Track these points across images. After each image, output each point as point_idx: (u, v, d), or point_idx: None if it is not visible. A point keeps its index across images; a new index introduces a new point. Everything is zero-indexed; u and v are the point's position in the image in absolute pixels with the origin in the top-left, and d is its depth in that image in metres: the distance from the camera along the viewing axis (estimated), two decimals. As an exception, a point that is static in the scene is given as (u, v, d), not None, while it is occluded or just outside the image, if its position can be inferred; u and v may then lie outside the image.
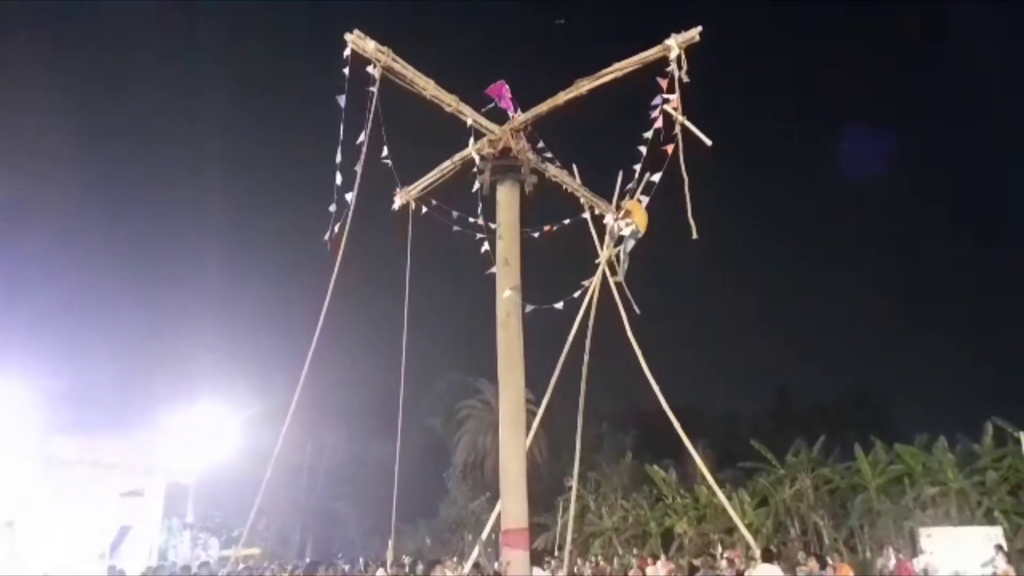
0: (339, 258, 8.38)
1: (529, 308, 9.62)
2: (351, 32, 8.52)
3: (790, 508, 27.43)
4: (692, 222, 9.05)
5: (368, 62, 8.58)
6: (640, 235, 11.47)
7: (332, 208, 8.45)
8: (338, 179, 8.47)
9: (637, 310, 11.92)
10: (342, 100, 8.39)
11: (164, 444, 22.56)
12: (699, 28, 8.58)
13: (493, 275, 9.55)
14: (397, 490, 12.69)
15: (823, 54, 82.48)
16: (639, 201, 11.13)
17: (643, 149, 9.59)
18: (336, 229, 8.40)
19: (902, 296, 66.35)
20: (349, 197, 8.48)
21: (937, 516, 23.00)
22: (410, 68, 8.88)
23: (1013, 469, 22.29)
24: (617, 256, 11.80)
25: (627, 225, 11.36)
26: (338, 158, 8.46)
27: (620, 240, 11.60)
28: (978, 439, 23.62)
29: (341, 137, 8.44)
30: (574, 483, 14.63)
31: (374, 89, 8.45)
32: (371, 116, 8.42)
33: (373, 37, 8.59)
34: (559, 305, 10.62)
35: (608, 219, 11.90)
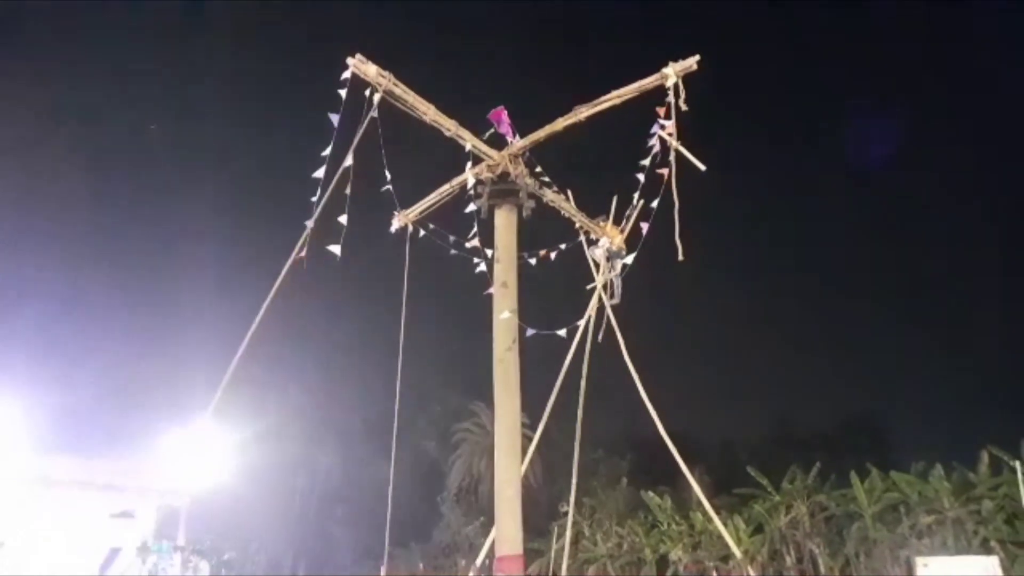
0: (283, 271, 8.33)
1: (530, 332, 9.64)
2: (352, 55, 8.59)
3: (786, 535, 27.30)
4: (679, 244, 9.33)
5: (367, 85, 8.65)
6: (623, 254, 11.57)
7: (308, 224, 8.44)
8: (317, 195, 8.45)
9: (620, 337, 11.90)
10: (335, 119, 8.44)
11: (157, 465, 22.37)
12: (696, 57, 8.70)
13: (490, 297, 9.57)
14: (391, 513, 12.62)
15: (821, 71, 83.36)
16: (616, 225, 11.35)
17: (640, 176, 9.73)
18: (305, 247, 8.39)
19: (899, 323, 66.46)
20: (343, 219, 8.51)
21: (933, 545, 22.89)
22: (411, 93, 8.94)
23: (1009, 498, 22.22)
24: (611, 279, 11.90)
25: (604, 246, 11.53)
26: (320, 174, 8.43)
27: (608, 258, 11.72)
28: (974, 467, 23.58)
29: (327, 154, 8.46)
30: (570, 509, 14.56)
31: (374, 114, 8.51)
32: (359, 135, 8.44)
33: (373, 59, 8.66)
34: (562, 332, 10.63)
35: (602, 243, 11.99)
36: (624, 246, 11.74)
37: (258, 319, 8.25)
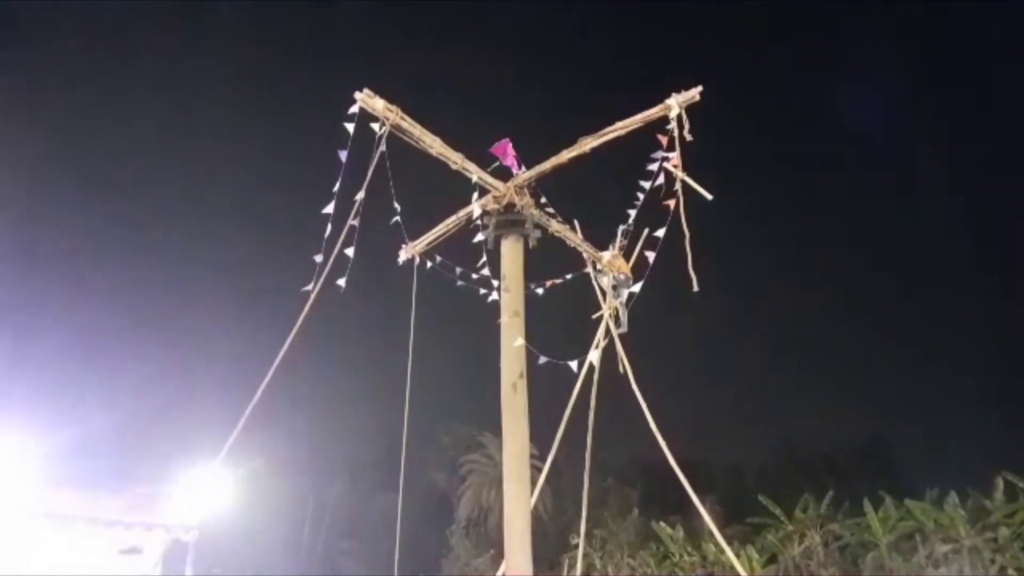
0: (305, 309, 8.42)
1: (543, 360, 9.64)
2: (359, 89, 8.71)
3: (800, 565, 26.97)
4: (693, 275, 9.36)
5: (374, 118, 8.76)
6: (630, 283, 11.58)
7: (318, 259, 8.54)
8: (328, 231, 8.54)
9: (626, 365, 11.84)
10: (343, 155, 8.55)
11: (165, 499, 22.31)
12: (699, 88, 8.79)
13: (496, 328, 9.58)
14: (399, 546, 12.53)
15: (829, 86, 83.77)
16: (619, 253, 11.41)
17: (640, 201, 9.81)
18: (320, 281, 8.48)
19: (912, 346, 66.02)
20: (349, 252, 8.60)
21: (950, 574, 22.55)
22: (417, 126, 9.04)
23: (1026, 525, 21.94)
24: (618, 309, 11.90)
25: (616, 275, 11.55)
26: (330, 209, 8.55)
27: (615, 287, 11.72)
28: (989, 494, 23.29)
29: (336, 189, 8.57)
30: (580, 541, 14.38)
31: (382, 148, 8.60)
32: (370, 171, 8.56)
33: (380, 93, 8.77)
34: (573, 364, 10.61)
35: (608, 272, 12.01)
36: (631, 274, 11.76)
37: (276, 363, 8.31)
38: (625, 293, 11.84)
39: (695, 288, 9.42)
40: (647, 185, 9.69)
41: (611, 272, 11.64)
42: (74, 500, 20.06)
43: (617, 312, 11.90)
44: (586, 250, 11.66)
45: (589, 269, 12.17)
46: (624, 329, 11.93)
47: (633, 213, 10.22)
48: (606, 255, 11.67)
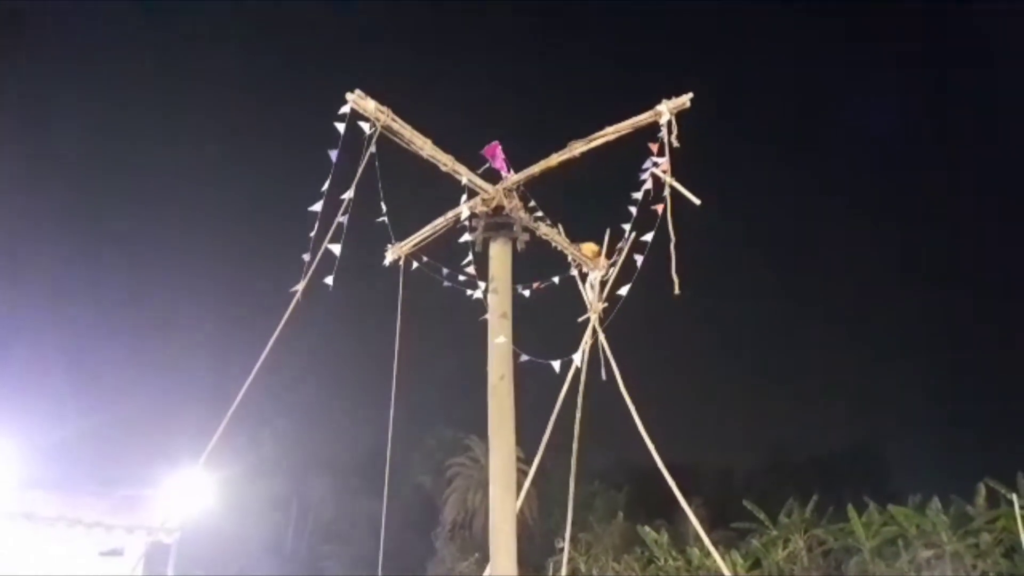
0: (286, 313, 8.38)
1: (524, 358, 9.62)
2: (351, 91, 8.68)
3: (783, 570, 27.06)
4: (675, 278, 9.36)
5: (364, 119, 8.73)
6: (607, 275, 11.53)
7: (306, 257, 8.50)
8: (315, 229, 8.50)
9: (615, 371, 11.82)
10: (333, 155, 8.52)
11: (146, 502, 22.14)
12: (690, 95, 8.81)
13: (484, 331, 9.56)
14: (384, 549, 12.48)
15: (821, 92, 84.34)
16: (608, 258, 11.38)
17: (633, 209, 9.81)
18: (306, 281, 8.45)
19: (898, 354, 66.52)
20: (335, 249, 8.57)
21: (932, 579, 22.74)
22: (408, 127, 9.01)
23: (1007, 532, 22.11)
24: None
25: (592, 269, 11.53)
26: (318, 208, 8.51)
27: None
28: (971, 500, 23.50)
29: (325, 189, 8.54)
30: (566, 545, 14.33)
31: (373, 149, 8.58)
32: (360, 171, 8.53)
33: (371, 94, 8.74)
34: (556, 364, 10.60)
35: (594, 275, 12.01)
36: (606, 263, 11.66)
37: (258, 364, 8.24)
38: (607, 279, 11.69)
39: (676, 291, 9.43)
40: (637, 196, 9.72)
41: (596, 266, 11.58)
42: (55, 502, 19.87)
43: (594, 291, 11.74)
44: (573, 254, 11.65)
45: (574, 272, 12.16)
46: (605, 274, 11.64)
47: (629, 226, 10.21)
48: (586, 247, 11.60)
